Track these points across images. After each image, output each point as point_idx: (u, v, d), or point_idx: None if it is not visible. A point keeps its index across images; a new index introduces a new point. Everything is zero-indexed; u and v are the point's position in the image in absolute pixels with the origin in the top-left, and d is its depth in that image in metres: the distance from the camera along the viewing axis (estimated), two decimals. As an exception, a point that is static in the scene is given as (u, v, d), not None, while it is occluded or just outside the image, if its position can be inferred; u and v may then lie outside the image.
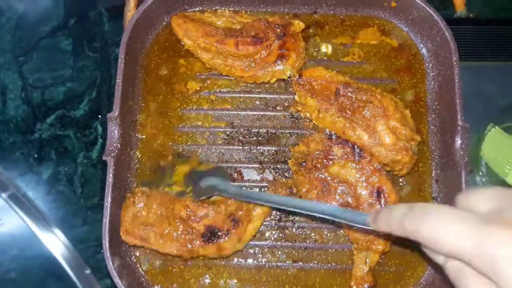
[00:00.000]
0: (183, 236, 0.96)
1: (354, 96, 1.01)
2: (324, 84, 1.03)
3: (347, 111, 1.01)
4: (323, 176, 1.00)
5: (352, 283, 0.98)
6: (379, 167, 0.98)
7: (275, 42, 1.05)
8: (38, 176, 1.15)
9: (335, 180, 1.00)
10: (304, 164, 1.02)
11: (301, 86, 1.04)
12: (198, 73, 1.12)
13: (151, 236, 0.96)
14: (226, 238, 0.96)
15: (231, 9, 1.15)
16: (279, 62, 1.04)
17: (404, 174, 1.04)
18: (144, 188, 1.00)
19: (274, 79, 1.08)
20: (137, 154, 1.07)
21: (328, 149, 1.01)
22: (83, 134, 1.19)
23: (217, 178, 1.01)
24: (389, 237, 0.97)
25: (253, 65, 1.06)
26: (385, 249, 0.97)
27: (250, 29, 1.06)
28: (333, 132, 1.03)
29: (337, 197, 0.99)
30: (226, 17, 1.11)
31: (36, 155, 1.16)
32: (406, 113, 1.03)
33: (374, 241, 0.96)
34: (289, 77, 1.08)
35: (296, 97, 1.07)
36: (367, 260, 0.97)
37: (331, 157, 1.00)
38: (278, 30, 1.05)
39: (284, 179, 1.06)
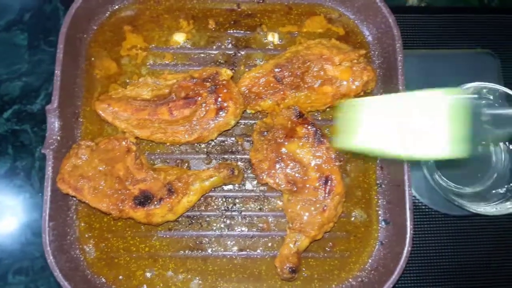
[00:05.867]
0: (115, 195, 0.96)
1: (290, 67, 1.02)
2: (263, 81, 1.03)
3: (299, 82, 1.02)
4: (280, 150, 1.00)
5: (276, 261, 0.98)
6: (333, 156, 0.99)
7: (209, 98, 0.99)
8: (-6, 171, 1.16)
9: (290, 156, 0.99)
10: (265, 133, 1.03)
11: (246, 100, 1.04)
12: (145, 64, 1.12)
13: (85, 189, 0.96)
14: (158, 205, 0.97)
15: None
16: (220, 115, 1.00)
17: (373, 88, 1.06)
18: (90, 143, 1.00)
19: (219, 132, 1.04)
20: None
21: (292, 126, 1.01)
22: (40, 129, 1.18)
23: None
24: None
25: (196, 126, 1.01)
26: (316, 236, 0.98)
27: (179, 91, 1.01)
28: (301, 112, 1.02)
29: (288, 170, 0.99)
30: (150, 85, 1.05)
31: (-8, 150, 1.17)
32: (336, 43, 1.05)
33: (309, 225, 0.97)
34: None
35: (248, 110, 1.06)
36: (297, 242, 0.98)
37: (292, 135, 1.00)
38: (208, 84, 1.00)
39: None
